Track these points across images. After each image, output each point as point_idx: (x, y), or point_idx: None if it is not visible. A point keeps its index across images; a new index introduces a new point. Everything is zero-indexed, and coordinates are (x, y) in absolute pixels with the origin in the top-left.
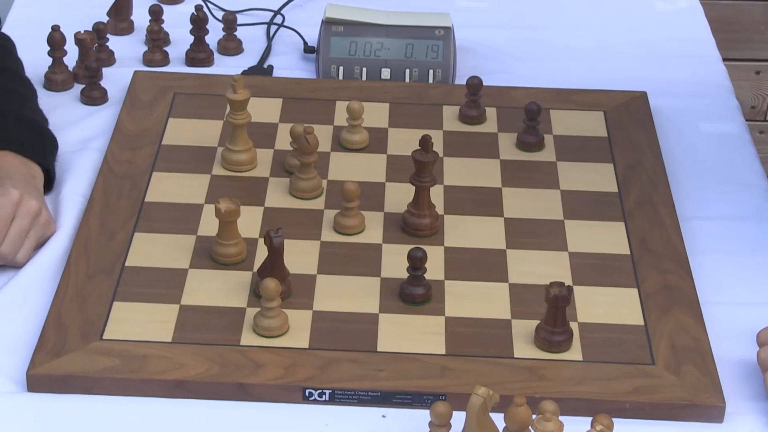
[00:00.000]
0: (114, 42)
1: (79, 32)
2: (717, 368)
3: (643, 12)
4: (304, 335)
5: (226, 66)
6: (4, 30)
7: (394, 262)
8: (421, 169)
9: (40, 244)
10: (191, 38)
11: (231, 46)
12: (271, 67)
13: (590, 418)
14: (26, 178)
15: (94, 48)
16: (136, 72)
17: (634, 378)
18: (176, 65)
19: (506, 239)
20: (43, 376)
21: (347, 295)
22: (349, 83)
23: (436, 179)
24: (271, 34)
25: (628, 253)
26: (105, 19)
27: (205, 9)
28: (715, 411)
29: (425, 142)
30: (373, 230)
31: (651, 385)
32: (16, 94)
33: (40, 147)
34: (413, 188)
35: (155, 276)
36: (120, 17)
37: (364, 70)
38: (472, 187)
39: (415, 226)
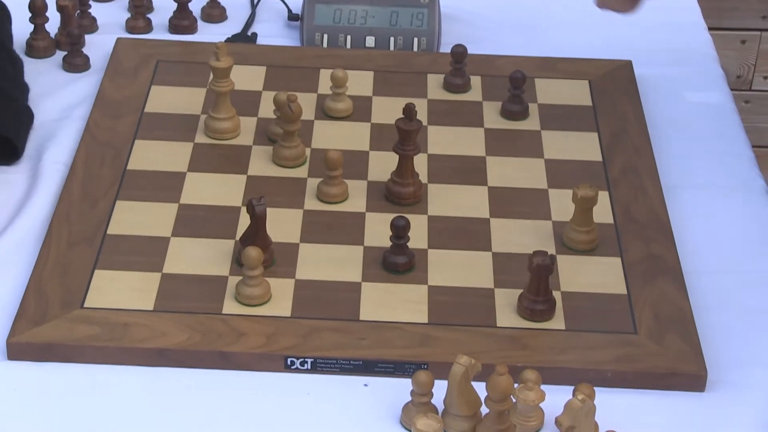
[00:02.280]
0: (96, 9)
1: None
2: (699, 337)
3: None
4: (286, 304)
5: (209, 33)
6: None
7: (378, 230)
8: (404, 137)
9: None
10: (174, 5)
11: (215, 13)
12: (255, 35)
13: (572, 387)
14: None
15: (77, 15)
16: (118, 39)
17: (616, 347)
18: (159, 32)
19: (490, 208)
20: (24, 344)
21: (330, 263)
22: (333, 51)
23: (420, 148)
24: (255, 1)
25: (612, 222)
26: None
27: None
28: (697, 380)
29: (409, 111)
30: (356, 199)
31: (633, 354)
32: None
33: (2, 116)
34: (397, 157)
35: (137, 244)
36: None
37: (349, 38)
38: (456, 156)
39: (398, 195)
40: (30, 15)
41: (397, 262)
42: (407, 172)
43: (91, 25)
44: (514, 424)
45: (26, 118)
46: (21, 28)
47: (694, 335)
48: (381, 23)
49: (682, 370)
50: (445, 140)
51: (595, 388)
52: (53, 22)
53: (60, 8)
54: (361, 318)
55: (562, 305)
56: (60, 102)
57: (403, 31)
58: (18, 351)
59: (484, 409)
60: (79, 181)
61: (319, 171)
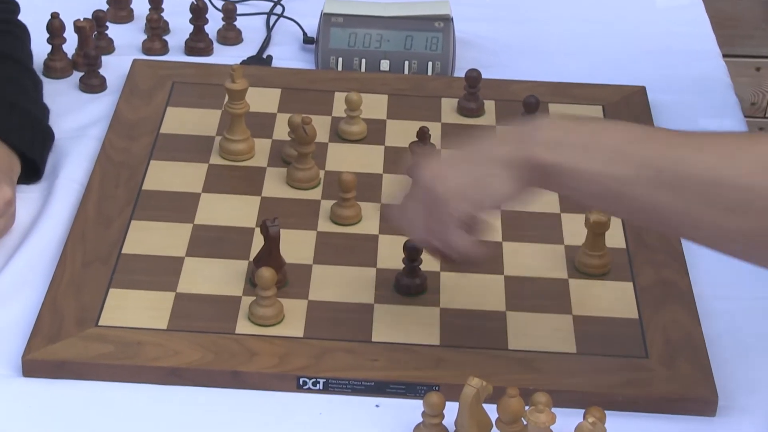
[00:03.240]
0: (113, 30)
1: (78, 20)
2: (710, 362)
3: (644, 6)
4: (299, 324)
5: (225, 55)
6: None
7: (390, 253)
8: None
9: None
10: (191, 27)
11: (230, 35)
12: (270, 57)
13: (583, 411)
14: (6, 166)
15: (94, 36)
16: (135, 60)
17: (627, 371)
18: (175, 54)
19: (503, 231)
20: (39, 362)
21: (343, 285)
22: (348, 74)
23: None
24: (271, 24)
25: (624, 246)
26: (105, 6)
27: None
28: (707, 405)
29: (423, 134)
30: (369, 221)
31: (644, 379)
32: (16, 84)
33: (29, 137)
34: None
35: (151, 264)
36: (119, 5)
37: (363, 61)
38: None
39: None
40: (48, 36)
41: (409, 285)
42: None
43: (108, 46)
44: None
45: (48, 139)
46: (38, 48)
47: (705, 360)
48: (396, 47)
49: (693, 394)
50: None
51: (606, 412)
52: (70, 43)
53: (77, 29)
54: (373, 339)
55: (574, 329)
56: (76, 122)
57: (417, 55)
58: (33, 368)
59: (495, 431)
60: (95, 201)
61: (333, 193)
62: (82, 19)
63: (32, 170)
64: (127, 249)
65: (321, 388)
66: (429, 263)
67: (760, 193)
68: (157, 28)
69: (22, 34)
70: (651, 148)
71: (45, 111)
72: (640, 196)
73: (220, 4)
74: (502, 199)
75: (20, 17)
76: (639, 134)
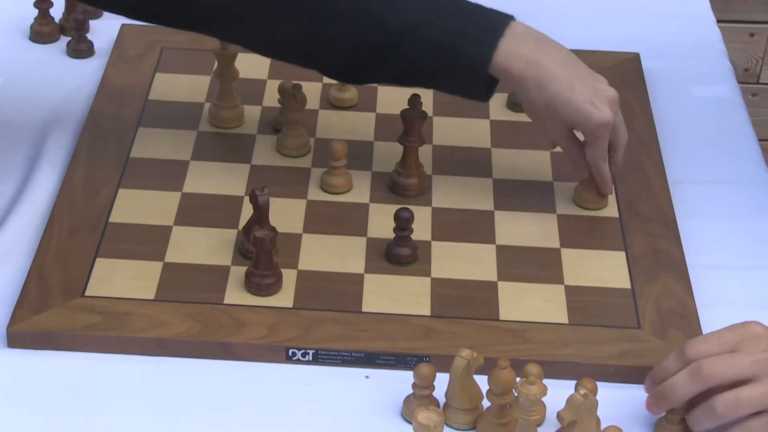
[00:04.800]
0: None
1: None
2: (703, 332)
3: None
4: (288, 295)
5: None
6: None
7: (381, 222)
8: (409, 128)
9: None
10: None
11: None
12: None
13: (574, 382)
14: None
15: None
16: (123, 25)
17: (619, 342)
18: None
19: (494, 200)
20: (24, 332)
21: (333, 254)
22: None
23: (425, 139)
24: None
25: (617, 215)
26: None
27: None
28: None
29: (414, 101)
30: (360, 189)
31: (636, 349)
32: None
33: None
34: (402, 148)
35: (139, 233)
36: None
37: None
38: (461, 147)
39: (402, 186)
40: (34, 0)
41: (400, 254)
42: (412, 163)
43: (96, 11)
44: (515, 419)
45: None
46: (25, 12)
47: (698, 331)
48: None
49: None
50: (450, 131)
51: (598, 383)
52: (58, 7)
53: None
54: (363, 310)
55: (566, 299)
56: (64, 88)
57: None
58: (18, 339)
59: (485, 403)
60: (82, 168)
61: (323, 161)
62: None
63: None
64: (114, 217)
65: (310, 359)
66: (420, 232)
67: None
68: None
69: None
70: None
71: None
72: None
73: None
74: None
75: None
76: None
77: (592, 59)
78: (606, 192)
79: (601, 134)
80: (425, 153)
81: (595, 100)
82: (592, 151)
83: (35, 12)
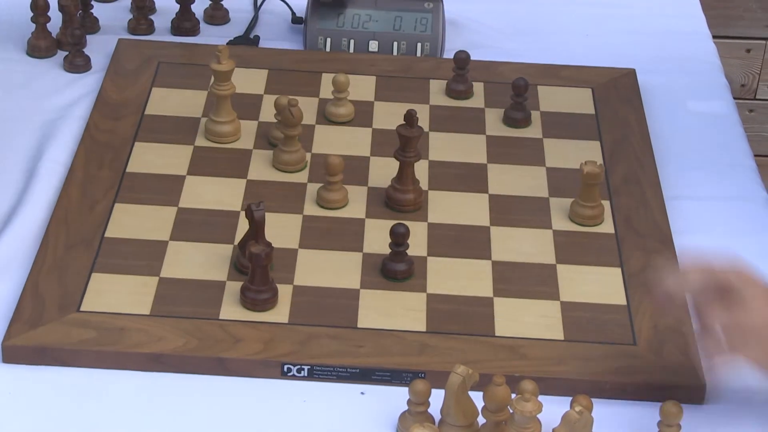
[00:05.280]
0: (99, 9)
1: None
2: (699, 354)
3: None
4: (283, 310)
5: (211, 35)
6: None
7: (377, 237)
8: (405, 143)
9: None
10: (177, 7)
11: (217, 15)
12: (257, 38)
13: (570, 398)
14: None
15: (78, 15)
16: (120, 40)
17: (615, 358)
18: (161, 34)
19: (490, 216)
20: (19, 348)
21: (328, 270)
22: (336, 55)
23: (421, 154)
24: (259, 4)
25: (613, 231)
26: None
27: None
28: (695, 392)
29: (410, 117)
30: (356, 205)
31: (632, 366)
32: None
33: None
34: (398, 163)
35: (135, 247)
36: None
37: (352, 42)
38: (458, 163)
39: (398, 202)
40: (32, 14)
41: (396, 270)
42: (408, 178)
43: (93, 26)
44: None
45: None
46: (22, 27)
47: (693, 348)
48: (385, 27)
49: (681, 382)
50: (447, 147)
51: (593, 400)
52: (55, 22)
53: (62, 8)
54: (359, 325)
55: (562, 315)
56: (60, 102)
57: (406, 36)
58: (13, 354)
59: (481, 419)
60: (78, 183)
61: (320, 176)
62: None
63: None
64: (110, 232)
65: (306, 375)
66: (416, 248)
67: None
68: (143, 7)
69: None
70: None
71: None
72: None
73: None
74: None
75: None
76: None
77: (589, 75)
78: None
79: None
80: (421, 168)
81: None
82: None
83: (32, 27)
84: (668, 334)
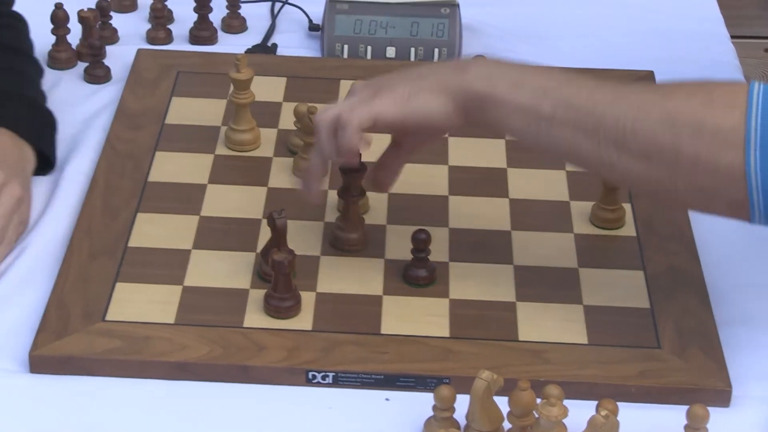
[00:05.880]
0: (117, 20)
1: (82, 10)
2: (723, 352)
3: None
4: (307, 317)
5: (229, 44)
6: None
7: (398, 243)
8: (349, 183)
9: (17, 237)
10: (195, 16)
11: (235, 23)
12: (275, 46)
13: (595, 402)
14: (17, 160)
15: (98, 26)
16: (139, 50)
17: (639, 362)
18: (180, 43)
19: (511, 220)
20: (46, 357)
21: (351, 276)
22: (353, 62)
23: (365, 191)
24: (276, 11)
25: (635, 234)
26: None
27: None
28: (721, 395)
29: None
30: (377, 212)
31: (656, 369)
32: (22, 75)
33: (38, 128)
34: (420, 169)
35: (158, 257)
36: None
37: (369, 48)
38: (477, 168)
39: (344, 241)
40: (51, 26)
41: (418, 276)
42: (353, 217)
43: (112, 36)
44: None
45: (56, 129)
46: (42, 39)
47: (718, 349)
48: (402, 33)
49: (707, 384)
50: (466, 152)
51: (619, 404)
52: (74, 33)
53: (81, 19)
54: (382, 332)
55: (585, 319)
56: (81, 113)
57: (423, 42)
58: (40, 364)
59: (506, 425)
60: (100, 193)
61: (340, 182)
62: (86, 9)
63: (44, 162)
64: (133, 242)
65: (330, 381)
66: (437, 253)
67: (662, 146)
68: (161, 17)
69: (20, 24)
70: (572, 93)
71: (45, 99)
72: (559, 135)
73: None
74: (429, 115)
75: (23, 7)
76: (562, 78)
77: (607, 78)
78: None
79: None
80: (441, 174)
81: None
82: None
83: (52, 39)
84: (692, 336)
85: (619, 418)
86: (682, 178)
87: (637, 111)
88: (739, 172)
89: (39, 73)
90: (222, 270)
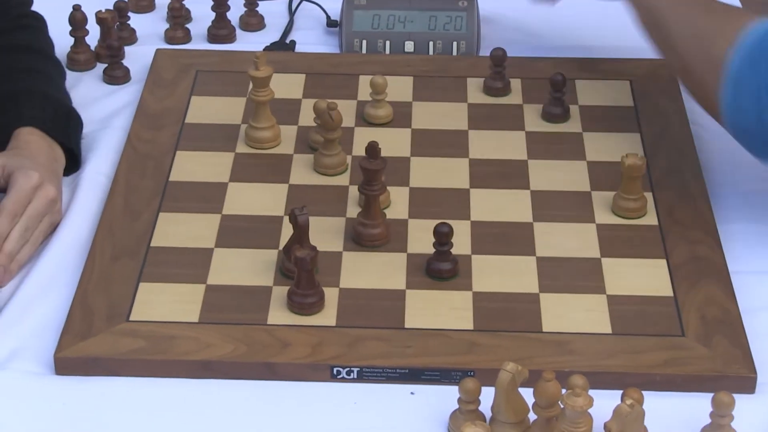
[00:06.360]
0: (135, 20)
1: (100, 11)
2: (748, 339)
3: None
4: (331, 313)
5: (248, 42)
6: None
7: (421, 237)
8: (370, 177)
9: (44, 237)
10: (213, 14)
11: (253, 21)
12: (293, 43)
13: (620, 392)
14: (49, 161)
15: (116, 27)
16: (158, 50)
17: (664, 350)
18: (198, 42)
19: (533, 212)
20: (71, 359)
21: (374, 271)
22: (372, 57)
23: (386, 186)
24: (293, 8)
25: (656, 223)
26: None
27: None
28: (746, 382)
29: (372, 149)
30: (398, 206)
31: (681, 357)
32: (44, 74)
33: (65, 127)
34: (441, 163)
35: (181, 256)
36: None
37: (388, 43)
38: (498, 160)
39: (367, 237)
40: (70, 28)
41: (441, 269)
42: (375, 212)
43: (131, 37)
44: (562, 431)
45: (81, 127)
46: (61, 41)
47: (743, 337)
48: (420, 28)
49: (732, 372)
50: (487, 144)
51: (644, 393)
52: (93, 35)
53: (99, 21)
54: (406, 326)
55: (609, 308)
56: (101, 114)
57: (442, 36)
58: (65, 366)
59: (531, 416)
60: (122, 194)
61: (361, 177)
62: (103, 11)
63: (70, 162)
64: (155, 242)
65: (355, 376)
66: (459, 246)
67: (678, 54)
68: (179, 16)
69: (40, 24)
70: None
71: (70, 99)
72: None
73: None
74: None
75: (41, 10)
76: None
77: (626, 67)
78: None
79: None
80: (462, 166)
81: None
82: None
83: (70, 40)
84: (716, 324)
85: (644, 406)
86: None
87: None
88: (716, 94)
89: (61, 74)
90: (245, 268)
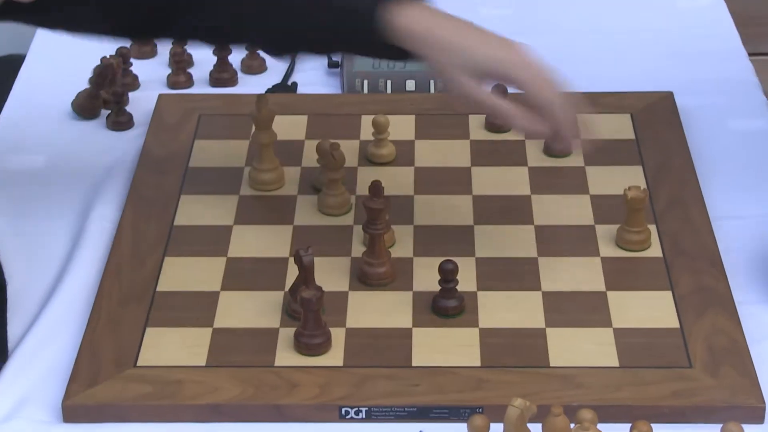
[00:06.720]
0: (137, 66)
1: (105, 57)
2: (755, 368)
3: (665, 10)
4: (338, 353)
5: (250, 85)
6: (28, 61)
7: (426, 275)
8: (374, 216)
9: None
10: (214, 59)
11: (254, 64)
12: (295, 84)
13: (629, 425)
14: None
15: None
16: (160, 95)
17: (671, 382)
18: (200, 86)
19: (537, 247)
20: (79, 406)
21: (380, 310)
22: (373, 97)
23: (390, 224)
24: None
25: (661, 255)
26: (128, 43)
27: None
28: (755, 412)
29: (376, 188)
30: (403, 245)
31: (689, 388)
32: None
33: None
34: (444, 200)
35: (187, 300)
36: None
37: (389, 82)
38: (501, 196)
39: (373, 276)
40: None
41: (447, 306)
42: (380, 251)
43: (133, 83)
44: None
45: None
46: (66, 87)
47: (750, 366)
48: (421, 66)
49: (740, 402)
50: (489, 181)
51: (653, 425)
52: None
53: (105, 67)
54: (413, 364)
55: (615, 341)
56: (106, 161)
57: None
58: (73, 413)
59: None
60: (127, 239)
61: (365, 218)
62: (108, 56)
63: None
64: (162, 286)
65: (364, 416)
66: (465, 283)
67: None
68: (181, 61)
69: None
70: None
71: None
72: None
73: None
74: None
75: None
76: None
77: (627, 100)
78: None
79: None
80: (465, 203)
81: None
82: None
83: (74, 88)
84: (724, 354)
85: None
86: None
87: None
88: None
89: None
90: (251, 310)
